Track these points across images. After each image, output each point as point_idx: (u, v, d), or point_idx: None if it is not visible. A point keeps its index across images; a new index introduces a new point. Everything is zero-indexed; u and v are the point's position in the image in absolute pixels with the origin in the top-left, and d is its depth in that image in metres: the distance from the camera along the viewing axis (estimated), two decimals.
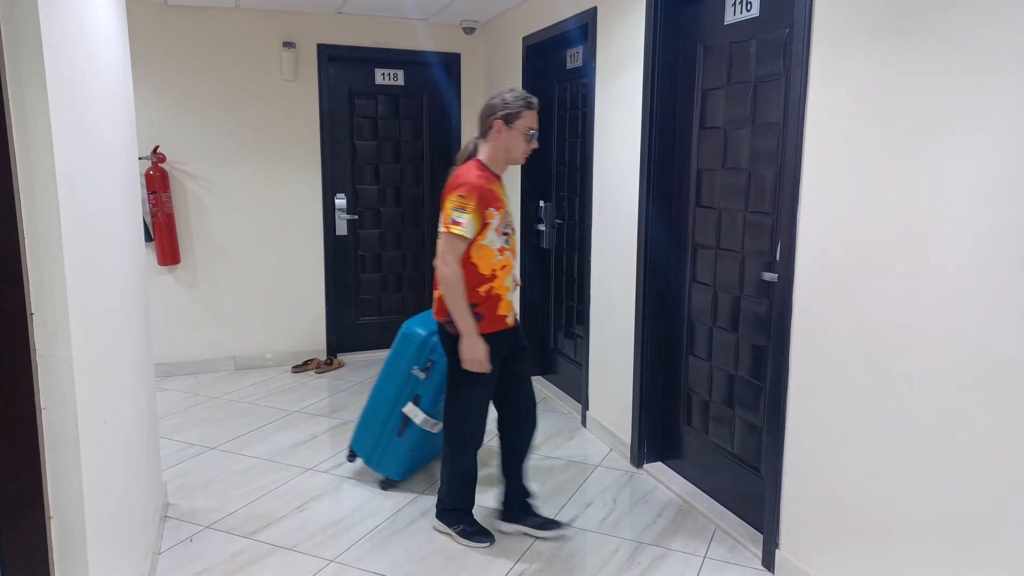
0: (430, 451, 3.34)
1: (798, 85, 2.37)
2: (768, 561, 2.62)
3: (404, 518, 3.01)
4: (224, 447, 3.72)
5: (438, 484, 2.98)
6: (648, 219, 3.31)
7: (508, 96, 2.59)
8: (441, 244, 2.52)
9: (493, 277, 2.60)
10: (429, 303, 5.59)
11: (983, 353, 1.82)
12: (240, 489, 3.26)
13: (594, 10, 3.69)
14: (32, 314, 1.49)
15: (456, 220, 2.47)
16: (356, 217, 5.27)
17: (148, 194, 4.53)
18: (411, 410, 3.13)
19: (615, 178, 3.59)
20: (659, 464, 3.49)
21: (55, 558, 1.57)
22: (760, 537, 2.73)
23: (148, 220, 4.56)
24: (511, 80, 4.78)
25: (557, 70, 4.40)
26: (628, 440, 3.57)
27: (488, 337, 2.59)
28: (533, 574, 2.62)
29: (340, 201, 5.17)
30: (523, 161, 2.68)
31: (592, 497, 3.21)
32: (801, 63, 2.35)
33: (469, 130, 5.43)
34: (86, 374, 1.67)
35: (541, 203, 4.54)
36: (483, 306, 2.60)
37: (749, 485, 2.91)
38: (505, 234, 2.62)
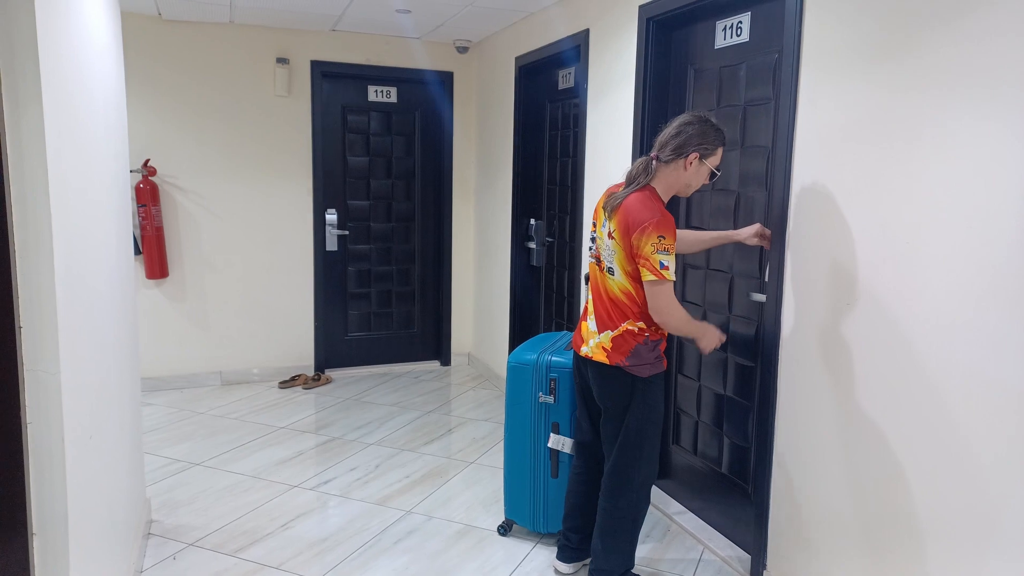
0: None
1: (787, 108, 2.41)
2: None
3: (391, 537, 2.98)
4: (209, 463, 3.69)
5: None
6: None
7: (708, 127, 2.34)
8: (654, 294, 2.28)
9: None
10: (417, 318, 5.58)
11: (973, 377, 1.83)
12: (225, 506, 3.22)
13: (587, 32, 3.73)
14: (20, 327, 1.48)
15: (666, 265, 2.25)
16: (347, 232, 5.27)
17: (138, 207, 4.51)
18: (556, 441, 2.83)
19: None
20: None
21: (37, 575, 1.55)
22: (748, 559, 2.72)
23: (137, 233, 4.54)
24: (503, 99, 4.81)
25: (549, 90, 4.44)
26: None
27: (656, 378, 2.43)
28: None
29: (331, 216, 5.17)
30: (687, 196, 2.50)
31: None
32: (790, 87, 2.39)
33: (462, 147, 5.45)
34: (73, 388, 1.66)
35: (532, 221, 4.55)
36: (662, 346, 2.44)
37: (737, 506, 2.91)
38: None
